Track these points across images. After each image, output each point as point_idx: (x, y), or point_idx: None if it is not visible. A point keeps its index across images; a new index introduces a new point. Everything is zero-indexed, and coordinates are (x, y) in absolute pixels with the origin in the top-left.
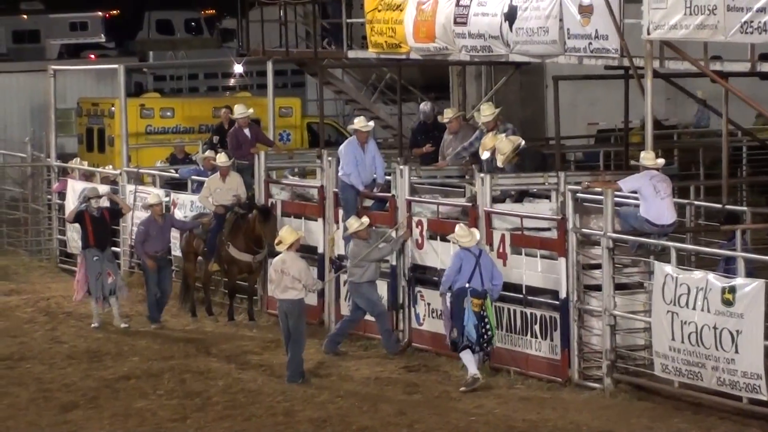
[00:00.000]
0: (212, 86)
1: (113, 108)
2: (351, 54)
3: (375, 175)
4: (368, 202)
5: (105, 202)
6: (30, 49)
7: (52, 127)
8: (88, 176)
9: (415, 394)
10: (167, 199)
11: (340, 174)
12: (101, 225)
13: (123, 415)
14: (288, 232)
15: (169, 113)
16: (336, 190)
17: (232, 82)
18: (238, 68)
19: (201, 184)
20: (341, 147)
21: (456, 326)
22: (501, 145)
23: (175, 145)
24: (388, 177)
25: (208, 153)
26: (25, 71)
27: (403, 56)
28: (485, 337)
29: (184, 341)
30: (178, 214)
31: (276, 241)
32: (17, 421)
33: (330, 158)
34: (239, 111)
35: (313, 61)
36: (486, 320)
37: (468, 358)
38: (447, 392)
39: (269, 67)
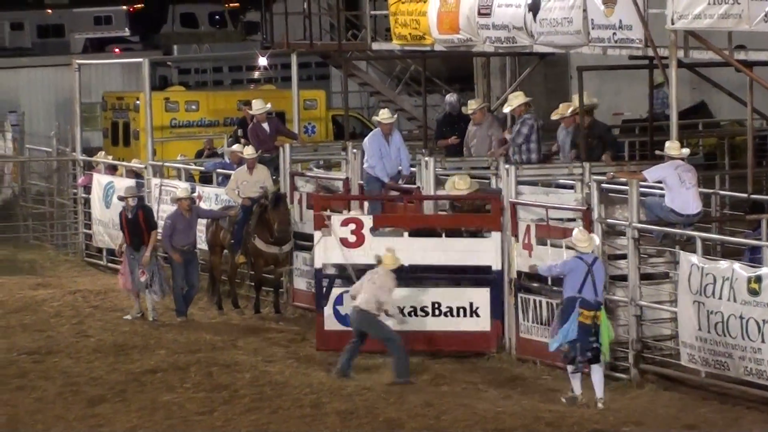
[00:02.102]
0: (237, 79)
1: (138, 102)
2: (375, 46)
3: (400, 167)
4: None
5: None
6: (55, 44)
7: (78, 121)
8: (113, 170)
9: (442, 385)
10: (195, 194)
11: (365, 166)
12: (136, 226)
13: (150, 409)
14: (390, 259)
15: (194, 106)
16: (361, 182)
17: (256, 74)
18: (262, 61)
19: (227, 177)
20: (366, 139)
21: (557, 331)
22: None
23: (206, 139)
24: (413, 168)
25: (236, 147)
26: (50, 65)
27: (428, 48)
28: (592, 351)
29: (211, 334)
30: (204, 207)
31: (377, 260)
32: (45, 415)
33: (355, 150)
34: (257, 107)
35: (338, 53)
36: (596, 333)
37: (574, 375)
38: (474, 383)
39: (293, 59)
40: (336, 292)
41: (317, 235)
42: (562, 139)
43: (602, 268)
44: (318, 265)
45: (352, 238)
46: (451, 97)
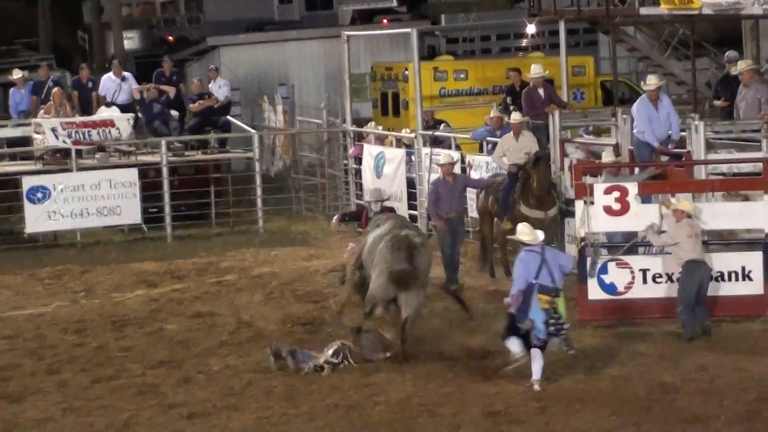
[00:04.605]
0: (505, 47)
1: (407, 72)
2: (643, 11)
3: (670, 132)
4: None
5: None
6: (323, 16)
7: (347, 93)
8: (382, 140)
9: (716, 350)
10: (456, 158)
11: (634, 131)
12: None
13: (424, 377)
14: (687, 203)
15: (462, 75)
16: (631, 147)
17: (524, 42)
18: (530, 29)
19: (495, 144)
20: (634, 105)
21: (521, 319)
22: None
23: (425, 111)
24: (683, 133)
25: (493, 113)
26: (319, 38)
27: (696, 11)
28: (556, 327)
29: (483, 302)
30: (474, 175)
31: (682, 210)
32: (320, 385)
33: (624, 116)
34: (535, 71)
35: (606, 19)
36: (556, 314)
37: (514, 342)
38: (749, 347)
39: (561, 26)
40: (601, 261)
41: (579, 204)
42: None
43: (553, 254)
44: (580, 234)
45: (617, 206)
46: (731, 53)
